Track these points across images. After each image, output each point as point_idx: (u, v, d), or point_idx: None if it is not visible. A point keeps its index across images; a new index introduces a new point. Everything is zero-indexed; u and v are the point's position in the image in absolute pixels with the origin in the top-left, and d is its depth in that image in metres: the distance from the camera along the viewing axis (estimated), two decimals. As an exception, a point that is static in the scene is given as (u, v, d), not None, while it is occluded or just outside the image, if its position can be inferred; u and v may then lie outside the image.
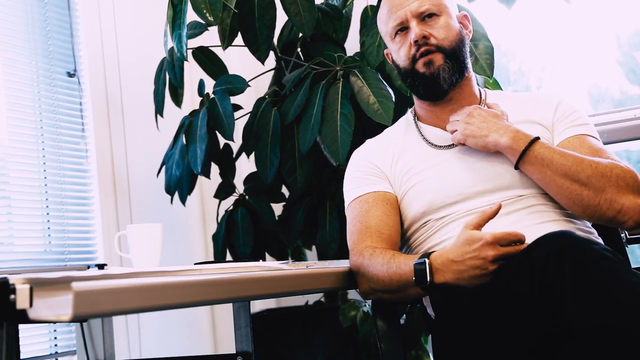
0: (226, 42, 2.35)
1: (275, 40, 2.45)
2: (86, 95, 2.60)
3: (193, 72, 2.81)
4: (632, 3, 2.68)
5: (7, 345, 0.92)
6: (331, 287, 1.66)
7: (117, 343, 2.29)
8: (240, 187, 2.57)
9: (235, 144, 2.46)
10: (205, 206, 2.97)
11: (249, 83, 2.35)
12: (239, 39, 2.34)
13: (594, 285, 1.18)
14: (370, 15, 2.42)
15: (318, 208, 2.36)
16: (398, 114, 1.90)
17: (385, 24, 1.65)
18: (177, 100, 2.51)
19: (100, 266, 1.99)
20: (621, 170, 1.41)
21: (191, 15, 2.25)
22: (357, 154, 1.72)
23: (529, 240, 1.32)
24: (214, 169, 2.48)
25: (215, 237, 2.54)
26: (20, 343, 0.95)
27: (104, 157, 2.61)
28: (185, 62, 2.32)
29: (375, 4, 2.38)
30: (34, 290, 0.89)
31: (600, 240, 1.51)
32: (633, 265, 1.56)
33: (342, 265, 1.55)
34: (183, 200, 2.46)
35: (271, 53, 2.37)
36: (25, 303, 0.88)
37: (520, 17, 2.64)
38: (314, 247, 2.59)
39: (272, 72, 2.60)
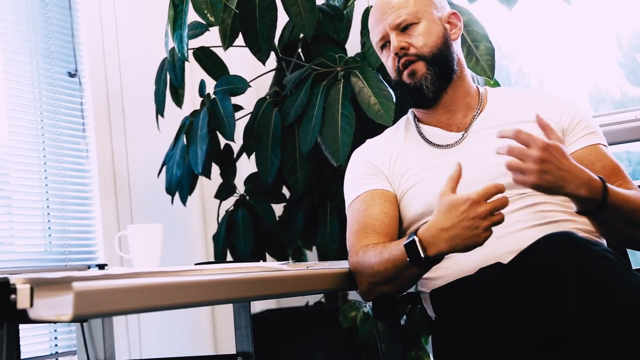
0: (227, 42, 2.35)
1: (276, 40, 2.45)
2: (87, 95, 2.60)
3: (194, 73, 2.81)
4: (632, 4, 2.68)
5: (7, 345, 0.92)
6: (331, 287, 1.66)
7: (118, 343, 2.29)
8: (240, 188, 2.57)
9: (236, 145, 2.46)
10: (205, 206, 2.97)
11: (250, 83, 2.35)
12: (239, 40, 2.34)
13: (595, 286, 1.18)
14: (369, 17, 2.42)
15: (318, 209, 2.36)
16: (399, 114, 1.90)
17: (372, 38, 1.68)
18: (178, 100, 2.51)
19: (101, 266, 1.99)
20: None
21: (192, 16, 2.25)
22: (356, 154, 1.72)
23: (531, 241, 1.32)
24: (215, 169, 2.48)
25: (215, 238, 2.54)
26: (21, 343, 0.95)
27: (104, 157, 2.61)
28: (186, 63, 2.32)
29: (376, 4, 2.38)
30: (35, 290, 0.89)
31: (602, 241, 1.51)
32: (634, 267, 1.56)
33: (342, 266, 1.55)
34: (184, 200, 2.46)
35: (272, 54, 2.37)
36: (26, 303, 0.88)
37: (521, 19, 2.64)
38: (314, 248, 2.59)
39: (273, 72, 2.60)
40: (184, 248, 2.86)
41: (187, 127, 2.39)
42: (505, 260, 1.40)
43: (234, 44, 2.37)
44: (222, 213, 2.58)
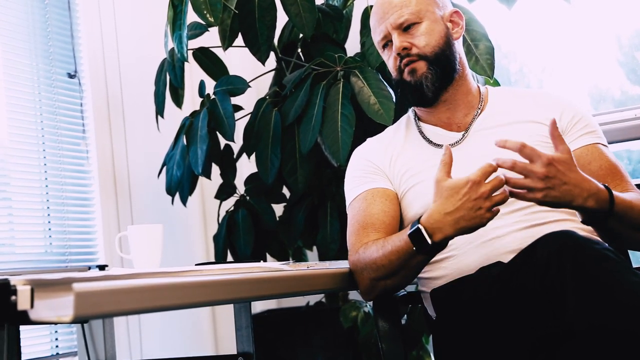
0: (227, 42, 2.35)
1: (275, 41, 2.45)
2: (87, 96, 2.60)
3: (193, 73, 2.81)
4: (632, 4, 2.68)
5: (8, 346, 0.92)
6: (332, 287, 1.66)
7: (118, 344, 2.29)
8: (241, 188, 2.57)
9: (236, 145, 2.46)
10: (206, 207, 2.97)
11: (250, 84, 2.35)
12: (239, 40, 2.34)
13: (595, 285, 1.18)
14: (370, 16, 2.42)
15: (319, 209, 2.36)
16: (399, 114, 1.90)
17: (374, 36, 1.67)
18: (178, 101, 2.51)
19: (101, 267, 1.99)
20: None
21: (192, 16, 2.25)
22: (357, 153, 1.72)
23: (531, 240, 1.32)
24: (215, 169, 2.48)
25: (216, 238, 2.54)
26: (21, 344, 0.95)
27: (104, 158, 2.61)
28: (185, 63, 2.32)
29: (375, 4, 2.38)
30: (35, 291, 0.89)
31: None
32: (634, 266, 1.56)
33: (342, 265, 1.55)
34: (184, 201, 2.46)
35: (272, 54, 2.37)
36: (26, 304, 0.88)
37: (520, 18, 2.64)
38: (314, 248, 2.59)
39: (273, 72, 2.60)
40: (184, 248, 2.86)
41: (187, 127, 2.39)
42: (506, 259, 1.40)
43: (233, 44, 2.37)
44: (223, 213, 2.58)
